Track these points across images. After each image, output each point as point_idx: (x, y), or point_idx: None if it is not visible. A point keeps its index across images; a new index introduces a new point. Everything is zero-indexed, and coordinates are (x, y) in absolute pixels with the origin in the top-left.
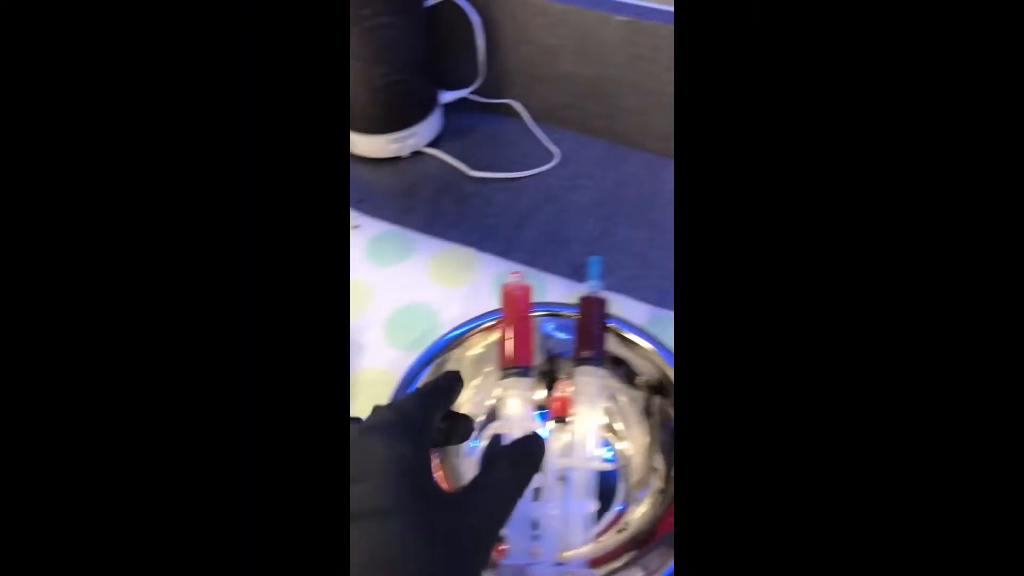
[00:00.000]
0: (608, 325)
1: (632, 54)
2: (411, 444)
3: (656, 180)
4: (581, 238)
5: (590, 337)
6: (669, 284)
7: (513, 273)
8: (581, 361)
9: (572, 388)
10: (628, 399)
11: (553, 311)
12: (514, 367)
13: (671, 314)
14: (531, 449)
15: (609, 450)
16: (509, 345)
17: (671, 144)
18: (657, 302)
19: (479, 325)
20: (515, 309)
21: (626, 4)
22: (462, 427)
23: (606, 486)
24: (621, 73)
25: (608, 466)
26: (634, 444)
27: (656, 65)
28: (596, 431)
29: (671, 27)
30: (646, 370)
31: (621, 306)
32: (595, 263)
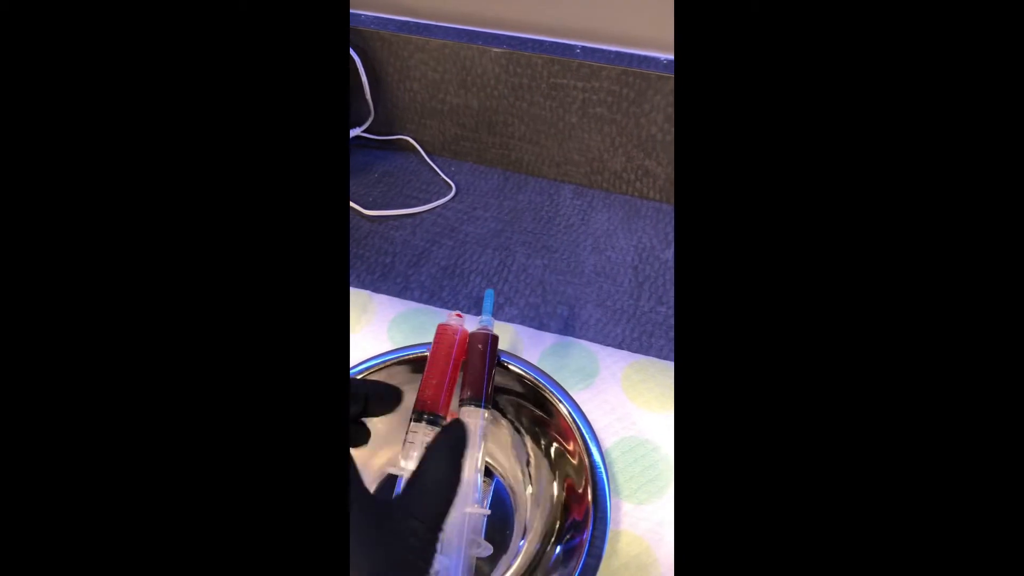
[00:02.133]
0: (500, 361)
1: (513, 84)
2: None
3: (552, 205)
4: (480, 270)
5: (475, 375)
6: (567, 311)
7: (456, 315)
8: (465, 401)
9: None
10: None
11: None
12: (425, 412)
13: (572, 340)
14: (451, 436)
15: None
16: (426, 387)
17: (564, 169)
18: (557, 329)
19: (365, 369)
20: (440, 351)
21: (501, 36)
22: (389, 397)
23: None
24: (505, 103)
25: (485, 511)
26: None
27: (536, 93)
28: (475, 474)
29: (546, 57)
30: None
31: (522, 336)
32: (489, 297)
